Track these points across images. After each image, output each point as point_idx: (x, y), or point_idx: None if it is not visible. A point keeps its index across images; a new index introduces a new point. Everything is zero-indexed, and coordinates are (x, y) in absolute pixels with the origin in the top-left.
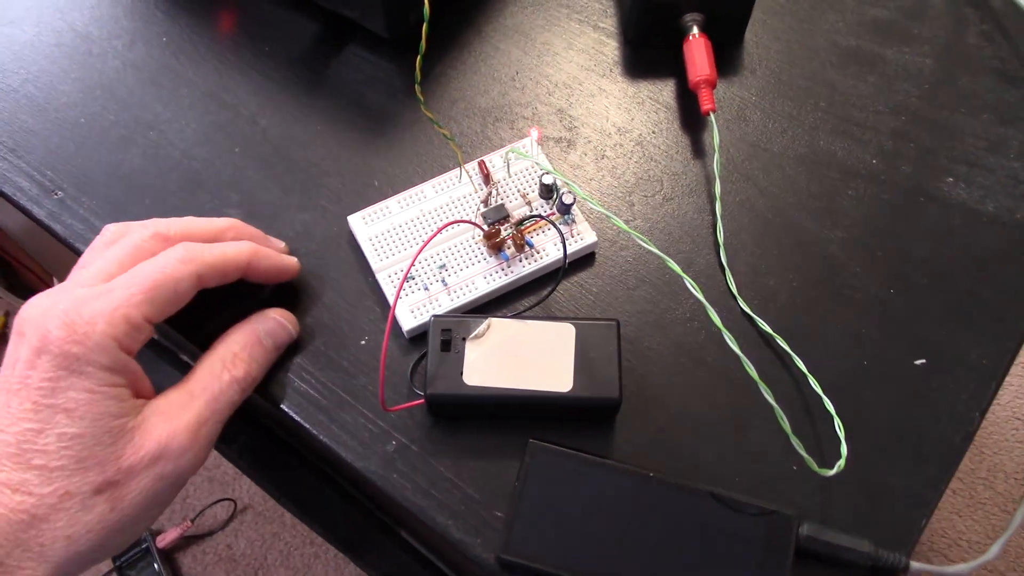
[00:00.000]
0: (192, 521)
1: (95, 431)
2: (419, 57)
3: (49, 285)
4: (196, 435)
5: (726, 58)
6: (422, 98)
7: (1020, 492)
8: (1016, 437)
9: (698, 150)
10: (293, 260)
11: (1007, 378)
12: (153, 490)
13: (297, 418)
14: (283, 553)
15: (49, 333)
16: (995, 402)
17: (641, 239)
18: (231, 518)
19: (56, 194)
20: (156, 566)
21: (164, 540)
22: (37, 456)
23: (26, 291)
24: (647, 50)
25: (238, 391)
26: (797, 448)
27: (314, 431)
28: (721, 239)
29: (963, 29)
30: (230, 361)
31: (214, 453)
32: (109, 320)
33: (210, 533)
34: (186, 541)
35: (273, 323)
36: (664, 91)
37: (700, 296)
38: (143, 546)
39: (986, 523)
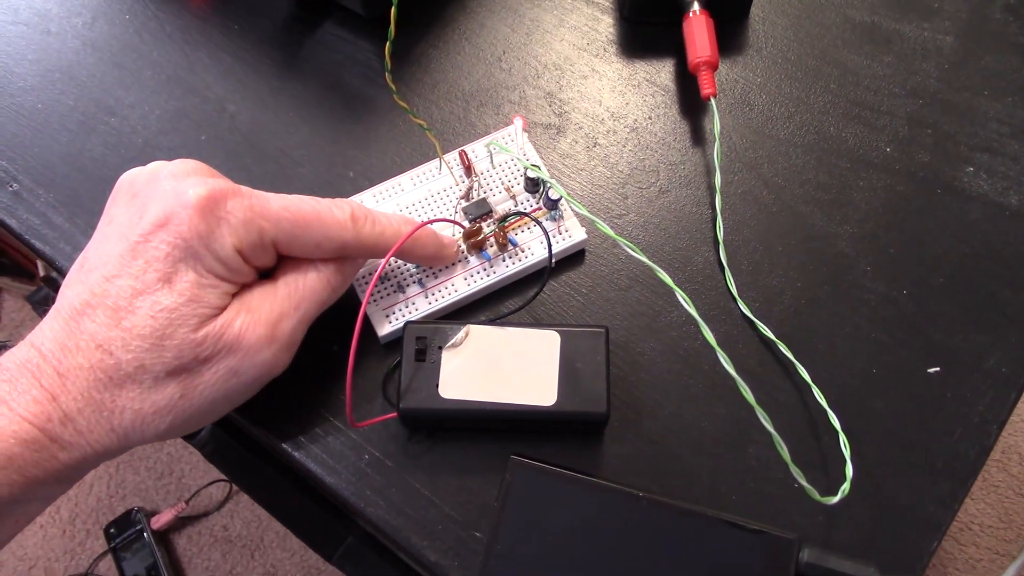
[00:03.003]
0: (187, 502)
1: (185, 312)
2: (388, 43)
3: (35, 269)
4: (274, 329)
5: (729, 36)
6: (393, 87)
7: None
8: None
9: (698, 137)
10: (451, 240)
11: None
12: (225, 386)
13: (261, 428)
14: (279, 534)
15: (186, 208)
16: None
17: (629, 246)
18: (226, 499)
19: (11, 186)
20: (151, 547)
21: (159, 522)
22: (128, 317)
23: (15, 271)
24: (644, 27)
25: (325, 287)
26: (797, 477)
27: (282, 444)
28: (721, 235)
29: (988, 3)
30: (319, 258)
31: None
32: (245, 221)
33: (205, 514)
34: (181, 522)
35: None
36: (662, 73)
37: (692, 311)
38: (137, 527)
39: (999, 507)
